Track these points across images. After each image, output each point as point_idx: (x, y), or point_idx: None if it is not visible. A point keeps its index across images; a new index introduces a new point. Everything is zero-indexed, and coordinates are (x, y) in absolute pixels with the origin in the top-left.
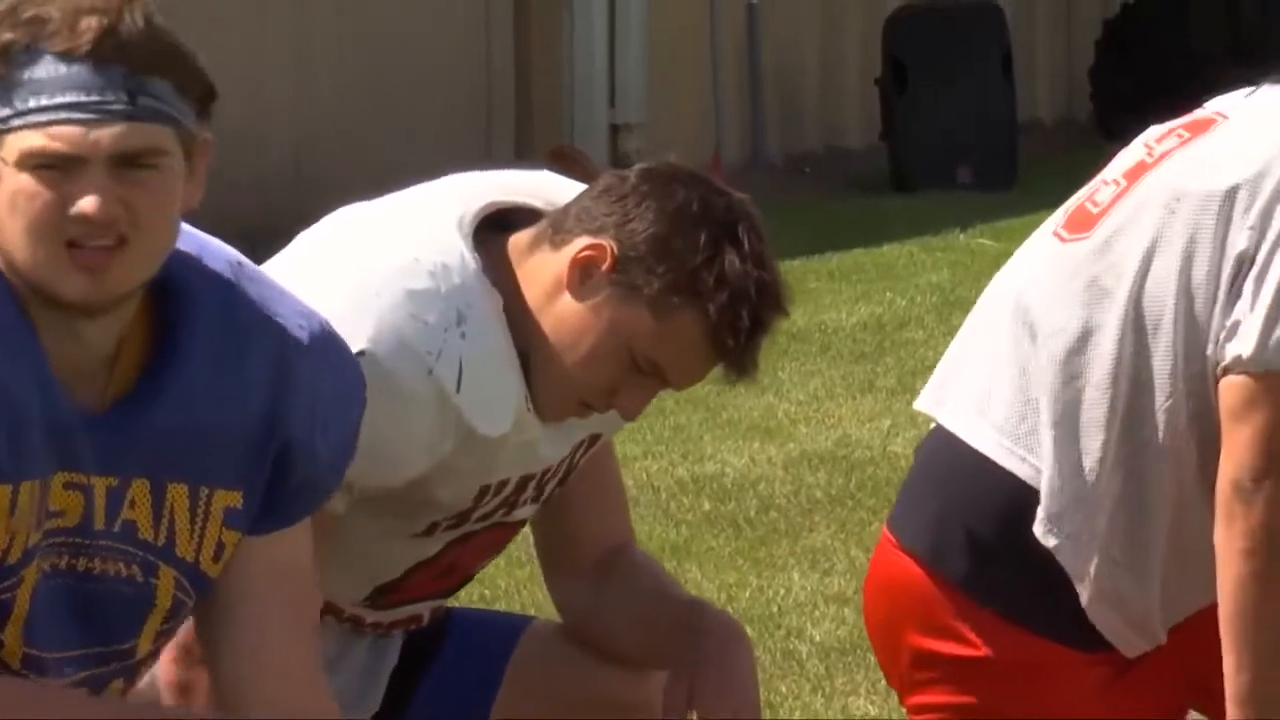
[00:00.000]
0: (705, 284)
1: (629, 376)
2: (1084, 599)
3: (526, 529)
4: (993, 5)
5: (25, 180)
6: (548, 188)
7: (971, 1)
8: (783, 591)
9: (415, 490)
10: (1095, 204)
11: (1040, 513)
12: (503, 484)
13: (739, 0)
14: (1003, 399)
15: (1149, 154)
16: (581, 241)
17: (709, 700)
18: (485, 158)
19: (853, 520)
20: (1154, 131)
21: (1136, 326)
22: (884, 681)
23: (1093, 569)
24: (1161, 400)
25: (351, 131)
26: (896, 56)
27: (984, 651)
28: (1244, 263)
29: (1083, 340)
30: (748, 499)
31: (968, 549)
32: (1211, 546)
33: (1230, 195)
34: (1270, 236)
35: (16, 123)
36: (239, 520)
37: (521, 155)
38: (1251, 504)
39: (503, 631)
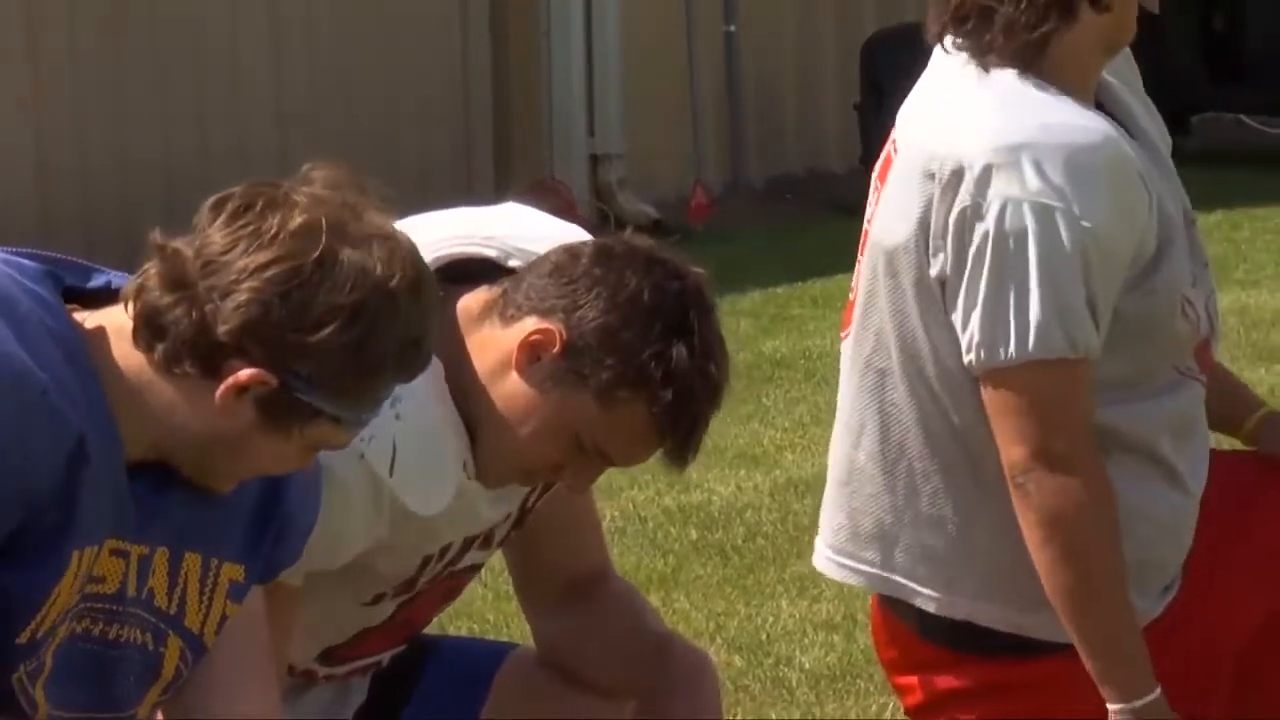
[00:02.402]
0: (653, 380)
1: (575, 456)
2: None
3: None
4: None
5: (263, 436)
6: (513, 225)
7: None
8: (771, 619)
9: (356, 567)
10: (852, 291)
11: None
12: (445, 549)
13: (716, 26)
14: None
15: (868, 218)
16: (530, 323)
17: None
18: (466, 191)
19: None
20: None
21: (920, 389)
22: (875, 708)
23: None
24: (969, 435)
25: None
26: (874, 80)
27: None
28: (943, 286)
29: (884, 427)
30: (735, 527)
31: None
32: None
33: (916, 236)
34: (951, 255)
35: (340, 423)
36: (239, 593)
37: (501, 188)
38: (1029, 494)
39: (484, 658)
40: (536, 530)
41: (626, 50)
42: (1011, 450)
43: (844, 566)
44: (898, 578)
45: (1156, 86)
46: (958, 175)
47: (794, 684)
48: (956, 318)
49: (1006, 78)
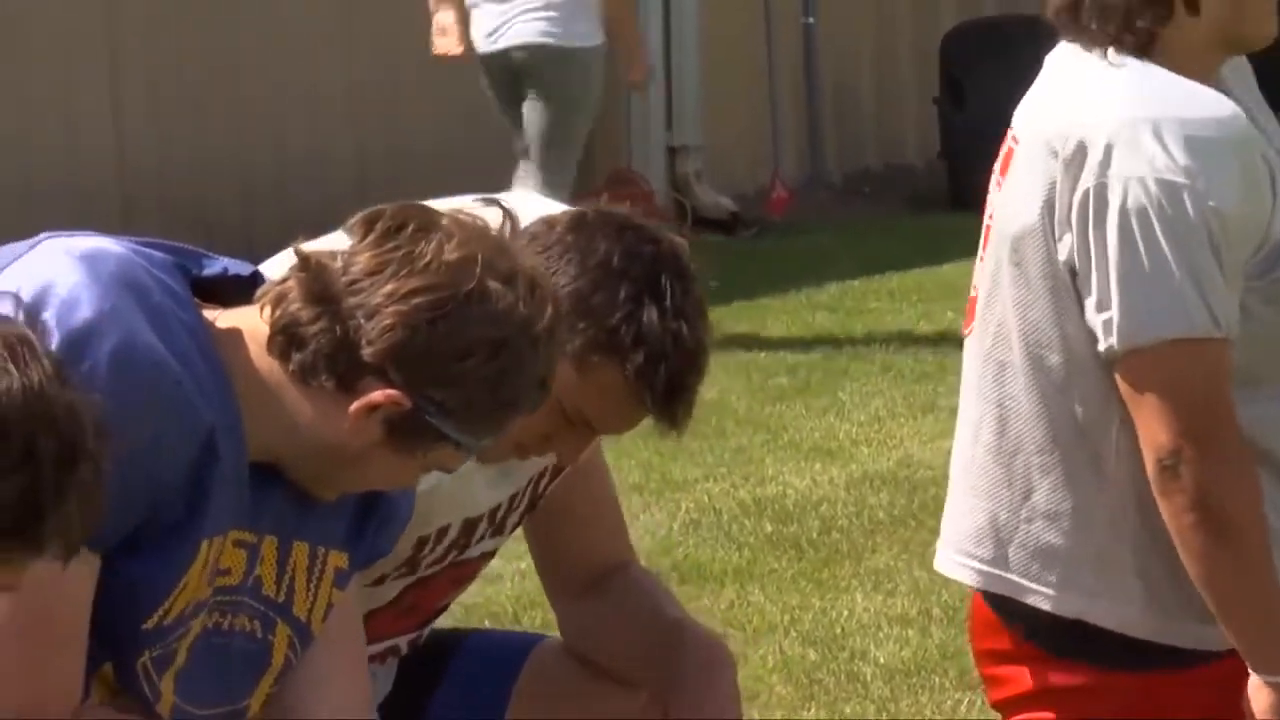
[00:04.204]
0: (623, 342)
1: (560, 426)
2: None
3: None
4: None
5: (386, 454)
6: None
7: (1028, 16)
8: (846, 613)
9: None
10: (974, 288)
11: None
12: (443, 531)
13: (795, 20)
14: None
15: (989, 214)
16: None
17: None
18: None
19: (915, 541)
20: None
21: (1041, 380)
22: (949, 704)
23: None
24: (1093, 428)
25: (411, 152)
26: (953, 74)
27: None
28: (1072, 271)
29: (1003, 420)
30: (810, 521)
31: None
32: None
33: (1042, 217)
34: (1078, 238)
35: (461, 447)
36: (344, 581)
37: (581, 179)
38: (1178, 478)
39: (511, 650)
40: (558, 522)
41: (705, 43)
42: (1157, 434)
43: (958, 564)
44: (1011, 575)
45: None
46: (1081, 153)
47: (868, 679)
48: (1090, 302)
49: (1129, 61)
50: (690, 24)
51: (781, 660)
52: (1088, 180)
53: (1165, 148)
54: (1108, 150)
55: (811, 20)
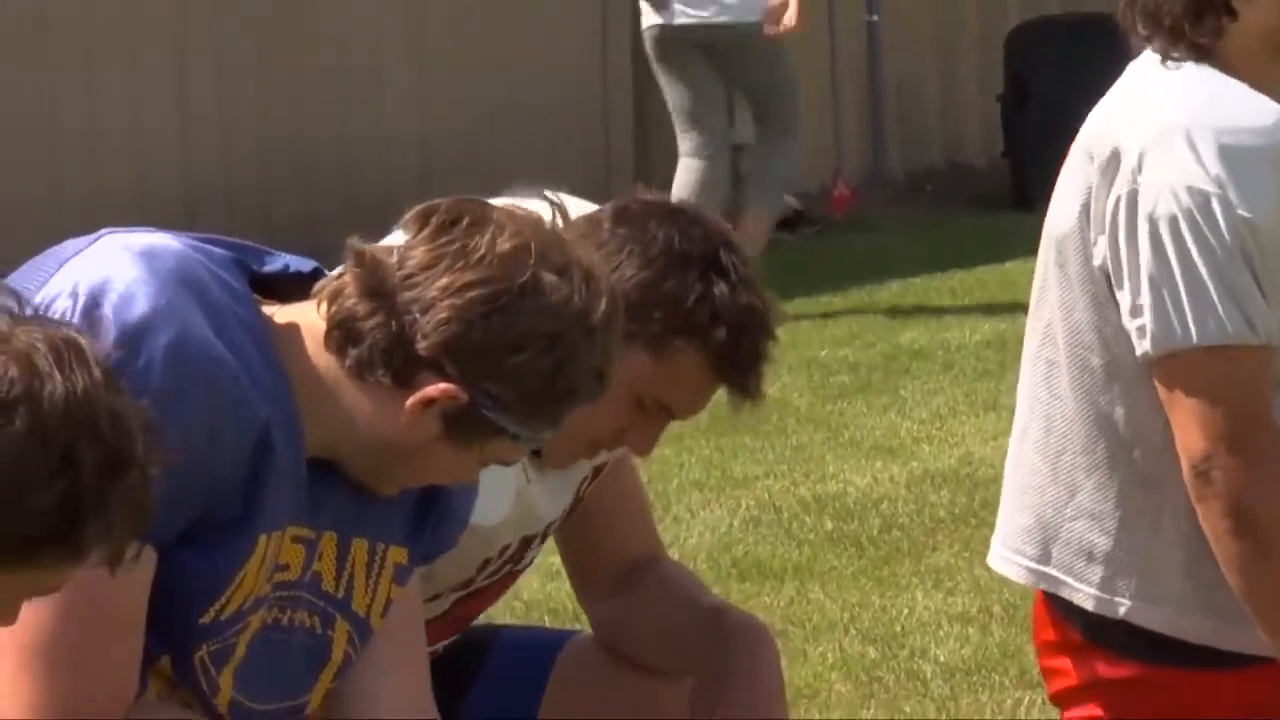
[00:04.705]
0: (702, 322)
1: (635, 417)
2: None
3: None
4: (1113, 18)
5: (443, 449)
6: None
7: (1092, 14)
8: (906, 611)
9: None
10: (1034, 285)
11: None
12: (504, 549)
13: (858, 17)
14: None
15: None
16: None
17: (733, 706)
18: (605, 181)
19: (976, 539)
20: None
21: (1086, 380)
22: (1010, 703)
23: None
24: (1136, 429)
25: (476, 155)
26: (1017, 72)
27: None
28: (1106, 275)
29: (1049, 419)
30: (870, 518)
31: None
32: None
33: (1079, 223)
34: (1110, 243)
35: (519, 440)
36: (404, 576)
37: (641, 178)
38: (1213, 484)
39: (544, 646)
40: (587, 520)
41: None
42: (1192, 440)
43: (1007, 560)
44: (1056, 572)
45: None
46: (1115, 159)
47: (928, 677)
48: (1125, 307)
49: (1185, 66)
50: None
51: (841, 658)
52: (1121, 187)
53: (1198, 156)
54: (1141, 157)
55: (875, 18)
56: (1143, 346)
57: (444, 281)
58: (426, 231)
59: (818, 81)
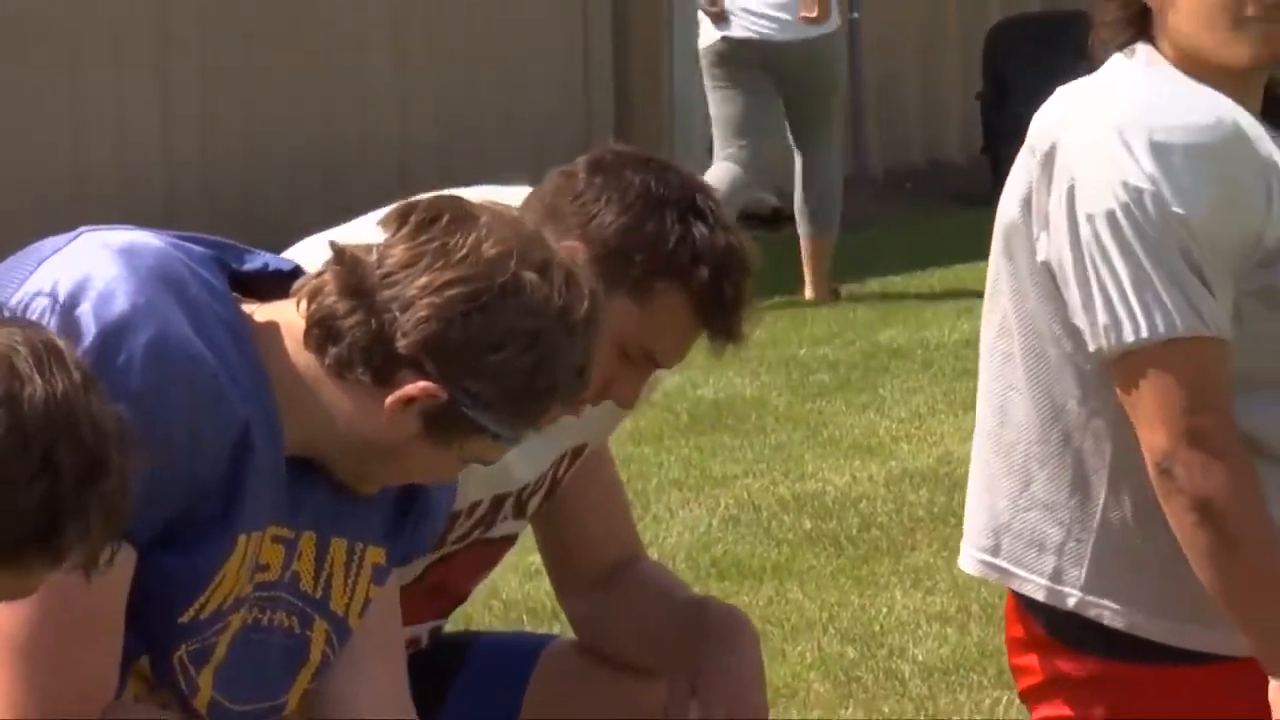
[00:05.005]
0: (683, 262)
1: (620, 368)
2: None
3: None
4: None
5: (423, 447)
6: (483, 191)
7: (1072, 12)
8: (885, 610)
9: None
10: (988, 277)
11: (1054, 595)
12: (474, 506)
13: (841, 14)
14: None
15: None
16: None
17: (712, 697)
18: None
19: (955, 538)
20: None
21: (1041, 372)
22: (988, 702)
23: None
24: (1088, 419)
25: (457, 154)
26: (997, 70)
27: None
28: (1050, 270)
29: (1005, 410)
30: (849, 517)
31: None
32: None
33: (1022, 216)
34: (1054, 239)
35: (499, 440)
36: (382, 576)
37: None
38: (1176, 480)
39: (523, 650)
40: (568, 515)
41: None
42: (1153, 435)
43: (967, 555)
44: (1006, 563)
45: None
46: (1052, 154)
47: (907, 676)
48: (1074, 304)
49: (1134, 65)
50: None
51: (820, 657)
52: (1060, 183)
53: (1132, 153)
54: (1078, 153)
55: (856, 15)
56: (1097, 343)
57: (424, 280)
58: (406, 230)
59: None
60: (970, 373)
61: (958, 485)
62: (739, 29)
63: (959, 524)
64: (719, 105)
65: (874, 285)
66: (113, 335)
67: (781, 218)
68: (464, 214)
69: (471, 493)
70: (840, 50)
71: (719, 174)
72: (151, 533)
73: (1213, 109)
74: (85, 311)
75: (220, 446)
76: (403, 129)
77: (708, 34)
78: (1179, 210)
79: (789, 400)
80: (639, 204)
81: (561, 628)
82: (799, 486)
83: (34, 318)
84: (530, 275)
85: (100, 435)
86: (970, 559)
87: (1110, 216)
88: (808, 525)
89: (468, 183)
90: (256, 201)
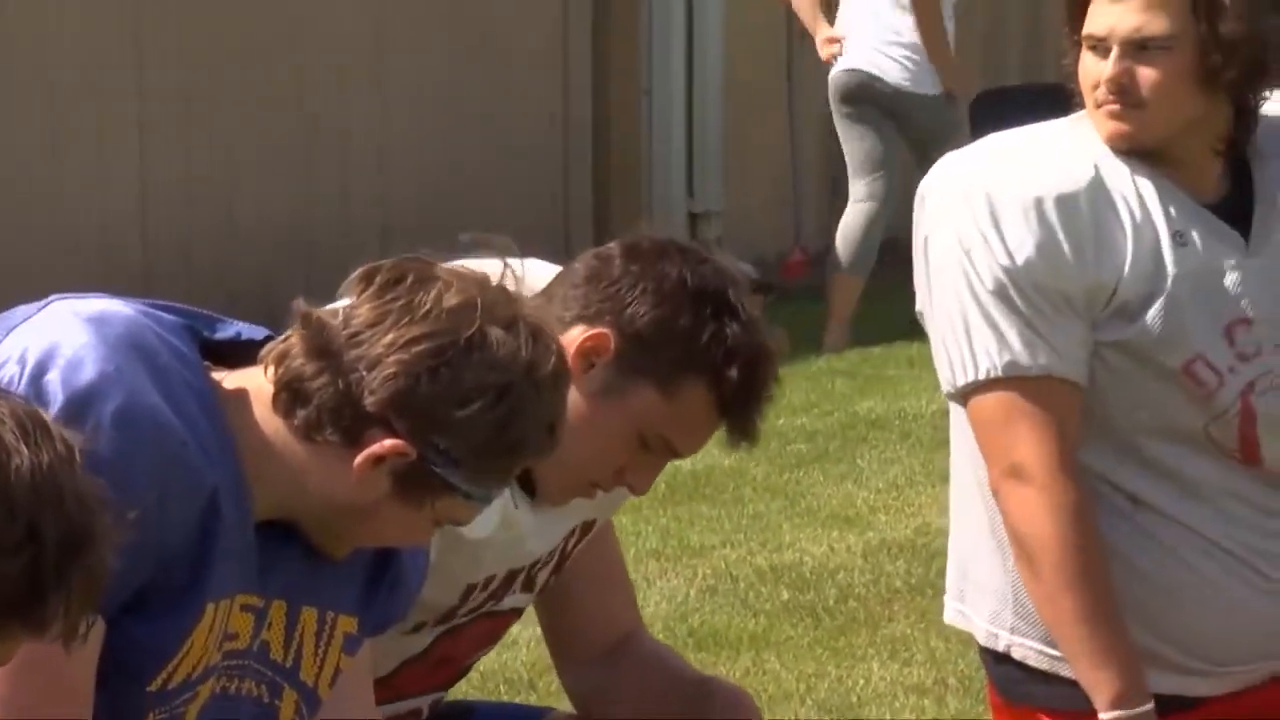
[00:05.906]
0: (715, 359)
1: (637, 455)
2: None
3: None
4: (1065, 87)
5: (395, 507)
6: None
7: (1050, 84)
8: (862, 682)
9: None
10: None
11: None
12: (489, 580)
13: (819, 85)
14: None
15: None
16: (578, 331)
17: None
18: (563, 248)
19: (933, 609)
20: None
21: (960, 421)
22: None
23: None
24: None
25: (432, 215)
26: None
27: None
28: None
29: (954, 458)
30: (827, 588)
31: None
32: None
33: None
34: (919, 283)
35: (470, 499)
36: (353, 646)
37: (600, 224)
38: (1002, 512)
39: None
40: (573, 587)
41: (727, 109)
42: (989, 470)
43: (947, 605)
44: (967, 609)
45: None
46: (921, 204)
47: None
48: (933, 345)
49: (1067, 122)
50: (713, 90)
51: None
52: (920, 231)
53: (971, 207)
54: (933, 205)
55: None
56: (945, 388)
57: (389, 338)
58: (371, 290)
59: (776, 151)
60: (947, 444)
61: (935, 556)
62: (870, 66)
63: (936, 595)
64: (852, 142)
65: (851, 356)
66: (80, 403)
67: (761, 287)
68: (428, 274)
69: (487, 567)
70: None
71: (852, 224)
72: (120, 600)
73: (1068, 169)
74: (53, 379)
75: (188, 514)
76: (382, 187)
77: (839, 65)
78: (1004, 262)
79: (767, 470)
80: (674, 298)
81: (537, 698)
82: (776, 557)
83: (2, 385)
84: (496, 330)
85: (84, 507)
86: (948, 608)
87: (953, 266)
88: (785, 596)
89: (448, 241)
90: (232, 269)
